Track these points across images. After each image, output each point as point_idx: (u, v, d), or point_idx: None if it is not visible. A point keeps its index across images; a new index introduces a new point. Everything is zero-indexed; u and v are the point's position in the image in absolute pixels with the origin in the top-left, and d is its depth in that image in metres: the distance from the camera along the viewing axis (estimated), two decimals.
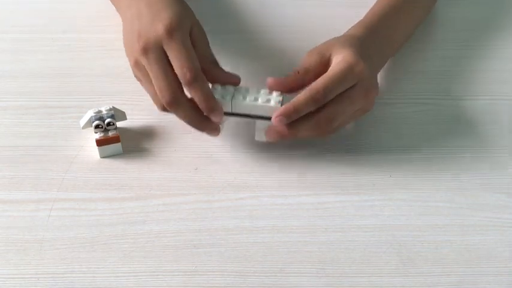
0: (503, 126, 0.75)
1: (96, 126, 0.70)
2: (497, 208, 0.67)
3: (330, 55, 0.68)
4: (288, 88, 0.67)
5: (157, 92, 0.65)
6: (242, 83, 0.69)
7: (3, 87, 0.79)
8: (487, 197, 0.68)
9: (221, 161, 0.71)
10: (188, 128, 0.68)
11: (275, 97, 0.66)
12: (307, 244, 0.63)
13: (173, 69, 0.65)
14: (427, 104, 0.78)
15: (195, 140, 0.71)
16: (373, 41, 0.72)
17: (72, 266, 0.61)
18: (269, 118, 0.66)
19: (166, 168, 0.70)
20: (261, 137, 0.69)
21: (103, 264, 0.61)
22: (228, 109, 0.67)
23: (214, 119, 0.66)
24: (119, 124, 0.72)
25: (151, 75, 0.66)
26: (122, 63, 0.73)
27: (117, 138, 0.70)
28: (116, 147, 0.70)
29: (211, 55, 0.69)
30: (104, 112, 0.70)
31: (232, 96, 0.67)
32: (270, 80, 0.67)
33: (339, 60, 0.67)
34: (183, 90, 0.66)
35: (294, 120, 0.65)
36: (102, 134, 0.70)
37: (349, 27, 0.76)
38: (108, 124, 0.70)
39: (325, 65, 0.67)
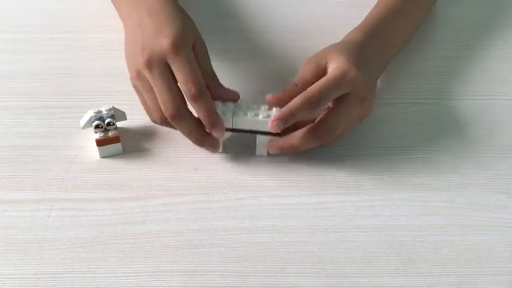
0: (503, 126, 0.75)
1: (96, 126, 0.70)
2: (497, 208, 0.67)
3: (326, 63, 0.68)
4: (287, 102, 0.67)
5: (161, 105, 0.66)
6: (243, 83, 0.69)
7: (3, 87, 0.79)
8: (487, 197, 0.68)
9: (221, 161, 0.71)
10: None
11: (275, 112, 0.67)
12: (307, 244, 0.63)
13: (177, 84, 0.66)
14: (427, 104, 0.78)
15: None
16: (371, 45, 0.72)
17: (72, 266, 0.61)
18: (270, 133, 0.67)
19: (166, 168, 0.70)
20: (262, 152, 0.70)
21: (103, 264, 0.61)
22: (229, 125, 0.68)
23: (215, 134, 0.67)
24: (119, 124, 0.72)
25: (155, 88, 0.66)
26: (122, 63, 0.72)
27: (117, 138, 0.70)
28: (116, 147, 0.70)
29: (212, 71, 0.70)
30: (104, 112, 0.70)
31: (233, 113, 0.67)
32: (269, 97, 0.67)
33: (333, 67, 0.67)
34: (186, 104, 0.66)
35: (295, 133, 0.67)
36: (102, 134, 0.70)
37: (349, 27, 0.76)
38: (108, 124, 0.70)
39: (321, 74, 0.68)
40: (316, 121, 0.67)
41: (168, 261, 0.62)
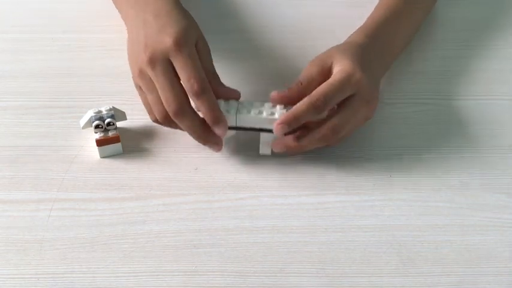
0: (504, 126, 0.75)
1: (96, 126, 0.70)
2: (497, 208, 0.67)
3: (331, 63, 0.68)
4: (292, 100, 0.67)
5: (164, 102, 0.66)
6: (243, 83, 0.69)
7: (3, 87, 0.79)
8: (487, 197, 0.68)
9: (221, 161, 0.71)
10: None
11: (279, 110, 0.67)
12: (307, 244, 0.63)
13: (179, 81, 0.66)
14: (427, 104, 0.78)
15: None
16: (373, 47, 0.72)
17: (72, 266, 0.61)
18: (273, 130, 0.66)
19: (166, 168, 0.70)
20: (265, 150, 0.70)
21: (103, 264, 0.61)
22: (232, 123, 0.67)
23: (218, 131, 0.66)
24: (119, 124, 0.72)
25: (157, 86, 0.66)
26: (122, 63, 0.72)
27: (117, 138, 0.70)
28: (116, 147, 0.70)
29: (214, 70, 0.70)
30: (104, 112, 0.70)
31: (237, 110, 0.67)
32: (273, 94, 0.67)
33: (338, 69, 0.67)
34: (189, 101, 0.66)
35: (301, 133, 0.67)
36: (102, 134, 0.70)
37: (349, 27, 0.76)
38: (108, 124, 0.70)
39: (326, 74, 0.68)
40: (322, 122, 0.67)
41: (168, 261, 0.62)
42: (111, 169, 0.70)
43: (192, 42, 0.67)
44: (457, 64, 0.83)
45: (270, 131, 0.67)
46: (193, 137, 0.68)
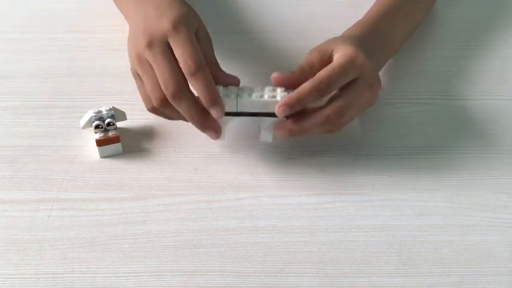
0: (503, 126, 0.75)
1: (96, 126, 0.70)
2: (497, 208, 0.67)
3: (332, 51, 0.68)
4: (293, 84, 0.66)
5: (162, 84, 0.65)
6: (243, 83, 0.69)
7: (3, 87, 0.79)
8: (487, 197, 0.68)
9: (221, 161, 0.71)
10: (188, 128, 0.68)
11: (280, 93, 0.66)
12: (307, 244, 0.63)
13: (178, 63, 0.65)
14: (427, 104, 0.78)
15: (195, 140, 0.71)
16: (371, 40, 0.72)
17: (72, 266, 0.61)
18: (275, 114, 0.65)
19: (166, 168, 0.70)
20: (267, 137, 0.68)
21: (103, 264, 0.61)
22: (233, 108, 0.66)
23: (214, 113, 0.65)
24: (119, 124, 0.72)
25: (155, 68, 0.65)
26: (122, 63, 0.73)
27: (117, 138, 0.70)
28: (116, 147, 0.70)
29: (214, 58, 0.69)
30: (104, 112, 0.70)
31: (237, 95, 0.66)
32: (275, 74, 0.67)
33: (340, 54, 0.67)
34: (187, 84, 0.65)
35: (305, 117, 0.66)
36: (102, 134, 0.70)
37: (349, 27, 0.76)
38: (108, 124, 0.70)
39: (327, 62, 0.67)
40: (325, 105, 0.66)
41: (168, 261, 0.62)
42: (111, 169, 0.70)
43: (191, 28, 0.67)
44: (457, 64, 0.83)
45: (271, 115, 0.66)
46: (191, 121, 0.66)
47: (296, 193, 0.68)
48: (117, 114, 0.71)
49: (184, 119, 0.67)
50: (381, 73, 0.74)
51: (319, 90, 0.64)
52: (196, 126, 0.67)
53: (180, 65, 0.65)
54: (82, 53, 0.83)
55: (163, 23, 0.66)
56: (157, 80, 0.65)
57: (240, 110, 0.67)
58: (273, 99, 0.66)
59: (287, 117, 0.66)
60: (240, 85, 0.68)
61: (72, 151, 0.71)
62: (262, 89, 0.67)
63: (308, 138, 0.70)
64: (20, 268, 0.61)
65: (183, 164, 0.70)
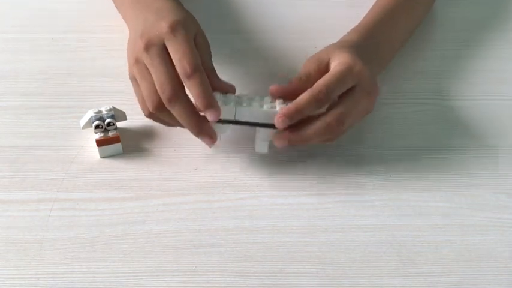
0: (503, 126, 0.75)
1: (96, 127, 0.70)
2: (497, 208, 0.67)
3: (329, 59, 0.68)
4: (291, 94, 0.66)
5: (158, 88, 0.64)
6: (243, 83, 0.69)
7: (3, 87, 0.79)
8: (487, 197, 0.68)
9: (221, 161, 0.71)
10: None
11: (279, 104, 0.66)
12: (307, 244, 0.63)
13: (174, 66, 0.65)
14: (426, 104, 0.78)
15: (195, 140, 0.71)
16: (368, 46, 0.72)
17: (72, 266, 0.61)
18: (273, 126, 0.66)
19: (166, 168, 0.70)
20: (262, 148, 0.68)
21: (103, 264, 0.61)
22: (231, 116, 0.66)
23: (210, 116, 0.64)
24: (119, 124, 0.72)
25: (152, 71, 0.65)
26: (122, 63, 0.72)
27: (117, 139, 0.70)
28: (116, 147, 0.70)
29: (212, 65, 0.69)
30: (104, 112, 0.70)
31: (236, 103, 0.66)
32: (272, 87, 0.67)
33: (337, 62, 0.67)
34: (183, 88, 0.65)
35: (304, 125, 0.65)
36: (102, 134, 0.70)
37: (349, 27, 0.76)
38: (108, 124, 0.70)
39: (324, 70, 0.67)
40: (325, 113, 0.66)
41: (168, 261, 0.62)
42: (111, 169, 0.70)
43: (190, 32, 0.67)
44: (457, 64, 0.83)
45: (269, 126, 0.66)
46: (187, 126, 0.66)
47: (296, 193, 0.68)
48: (117, 114, 0.71)
49: (181, 125, 0.67)
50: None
51: (318, 100, 0.64)
52: (192, 132, 0.67)
53: (176, 67, 0.64)
54: (82, 53, 0.83)
55: (161, 26, 0.66)
56: (154, 84, 0.65)
57: (238, 118, 0.66)
58: (272, 110, 0.65)
59: (285, 128, 0.66)
60: (240, 89, 0.68)
61: (72, 151, 0.71)
62: (261, 99, 0.67)
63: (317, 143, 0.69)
64: (20, 268, 0.61)
65: (183, 164, 0.70)
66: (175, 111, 0.65)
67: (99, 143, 0.70)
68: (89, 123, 0.70)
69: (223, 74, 0.71)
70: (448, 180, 0.69)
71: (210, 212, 0.66)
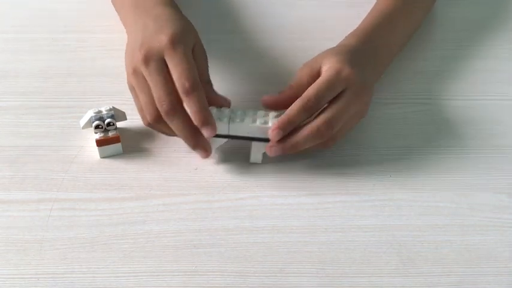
0: (503, 126, 0.75)
1: (96, 127, 0.70)
2: (497, 208, 0.67)
3: (320, 67, 0.69)
4: (284, 104, 0.67)
5: (156, 101, 0.65)
6: (243, 83, 0.69)
7: (3, 87, 0.79)
8: (487, 197, 0.68)
9: (221, 161, 0.71)
10: None
11: (272, 118, 0.67)
12: (307, 244, 0.63)
13: (172, 80, 0.65)
14: (426, 104, 0.78)
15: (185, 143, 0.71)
16: (366, 50, 0.72)
17: (72, 266, 0.61)
18: (267, 140, 0.66)
19: (166, 168, 0.70)
20: (256, 159, 0.69)
21: (103, 264, 0.61)
22: (225, 131, 0.67)
23: (206, 133, 0.65)
24: (119, 124, 0.72)
25: (150, 84, 0.66)
26: (122, 63, 0.72)
27: (117, 139, 0.70)
28: (116, 147, 0.70)
29: (208, 77, 0.70)
30: (104, 112, 0.70)
31: (229, 119, 0.67)
32: (265, 97, 0.68)
33: (326, 68, 0.68)
34: (181, 102, 0.66)
35: (295, 132, 0.66)
36: (102, 134, 0.70)
37: (349, 27, 0.76)
38: (108, 124, 0.70)
39: (316, 77, 0.68)
40: (314, 118, 0.66)
41: (168, 261, 0.62)
42: (111, 169, 0.70)
43: (189, 44, 0.67)
44: (457, 64, 0.83)
45: (262, 139, 0.67)
46: (183, 139, 0.67)
47: (296, 193, 0.68)
48: (117, 114, 0.71)
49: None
50: None
51: (307, 109, 0.65)
52: (188, 144, 0.68)
53: (176, 83, 0.65)
54: (82, 53, 0.83)
55: (160, 39, 0.66)
56: (152, 97, 0.66)
57: (231, 133, 0.67)
58: (265, 126, 0.66)
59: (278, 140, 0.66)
60: (240, 89, 0.68)
61: (72, 151, 0.71)
62: (255, 113, 0.67)
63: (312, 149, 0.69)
64: (20, 268, 0.61)
65: (183, 164, 0.70)
66: (173, 125, 0.66)
67: (99, 143, 0.70)
68: (89, 123, 0.70)
69: (223, 73, 0.71)
70: (448, 180, 0.69)
71: (210, 212, 0.66)
